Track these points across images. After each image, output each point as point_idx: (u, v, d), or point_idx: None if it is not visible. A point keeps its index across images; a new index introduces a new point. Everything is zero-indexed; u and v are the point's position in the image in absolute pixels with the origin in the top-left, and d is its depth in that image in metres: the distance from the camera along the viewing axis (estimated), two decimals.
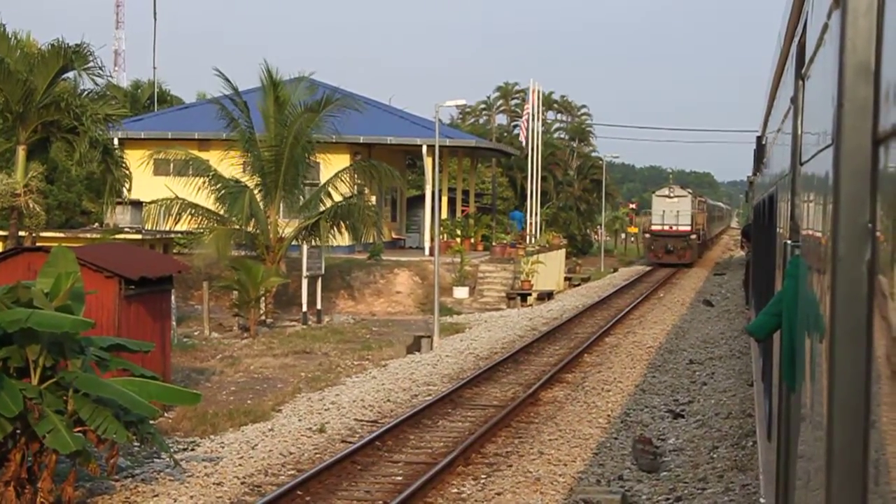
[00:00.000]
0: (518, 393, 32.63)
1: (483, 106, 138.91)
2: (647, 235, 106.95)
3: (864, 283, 3.10)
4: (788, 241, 7.40)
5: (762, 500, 12.66)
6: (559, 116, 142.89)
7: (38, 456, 20.82)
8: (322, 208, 51.41)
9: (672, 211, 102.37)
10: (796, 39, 7.20)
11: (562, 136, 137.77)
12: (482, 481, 23.13)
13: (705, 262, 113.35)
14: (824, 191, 4.05)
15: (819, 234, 4.41)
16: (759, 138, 20.78)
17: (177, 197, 50.92)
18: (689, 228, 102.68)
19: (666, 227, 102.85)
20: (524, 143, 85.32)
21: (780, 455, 7.57)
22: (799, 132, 7.01)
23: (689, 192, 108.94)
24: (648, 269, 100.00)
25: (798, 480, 5.52)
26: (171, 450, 23.45)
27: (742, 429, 27.46)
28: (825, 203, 3.98)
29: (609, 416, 30.10)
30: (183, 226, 51.33)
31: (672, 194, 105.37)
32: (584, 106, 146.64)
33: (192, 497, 21.60)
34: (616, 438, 27.28)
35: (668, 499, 22.00)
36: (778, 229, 10.30)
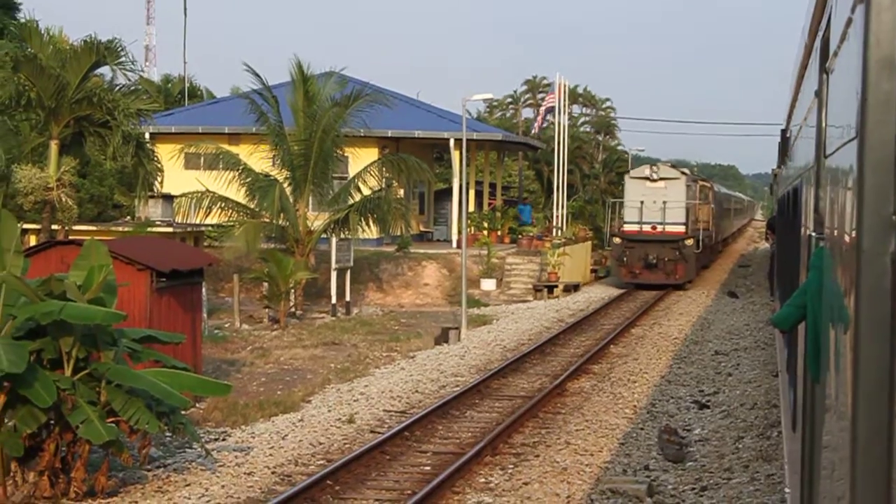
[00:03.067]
0: (545, 384, 32.61)
1: (510, 100, 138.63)
2: (617, 241, 66.89)
3: (889, 274, 3.09)
4: (813, 234, 7.38)
5: (787, 490, 12.63)
6: (584, 110, 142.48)
7: (71, 446, 20.90)
8: (351, 201, 51.45)
9: (656, 202, 65.04)
10: (820, 34, 7.18)
11: (587, 129, 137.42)
12: (509, 471, 23.13)
13: (711, 278, 77.10)
14: (849, 183, 4.04)
15: (843, 227, 4.40)
16: (783, 131, 20.70)
17: (207, 190, 51.00)
18: (682, 230, 65.28)
19: (646, 228, 65.28)
20: (535, 131, 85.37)
21: (805, 445, 7.56)
22: (823, 125, 6.99)
23: (684, 174, 69.98)
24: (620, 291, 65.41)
25: (823, 470, 5.50)
26: (203, 440, 23.52)
27: (767, 419, 27.40)
28: (849, 195, 3.97)
29: (635, 406, 30.07)
30: (213, 219, 51.38)
31: (656, 175, 66.23)
32: (607, 99, 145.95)
33: (223, 486, 21.64)
34: (642, 429, 27.25)
35: (693, 488, 21.96)
36: (802, 221, 10.27)
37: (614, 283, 67.64)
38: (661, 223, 65.82)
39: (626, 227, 67.05)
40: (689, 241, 66.17)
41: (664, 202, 65.98)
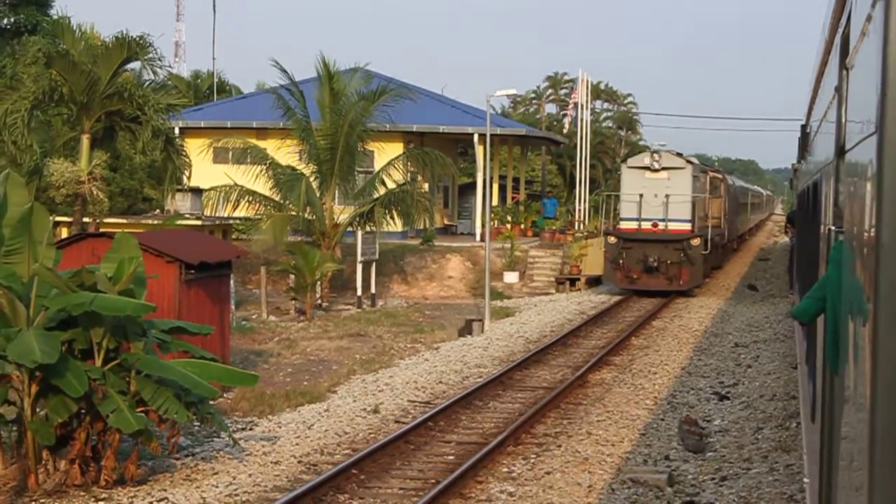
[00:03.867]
0: (567, 375, 32.60)
1: (533, 95, 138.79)
2: (612, 240, 56.25)
3: None
4: (832, 227, 7.37)
5: (806, 480, 12.62)
6: (605, 106, 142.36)
7: (101, 435, 20.96)
8: (376, 195, 51.51)
9: (657, 195, 54.63)
10: (840, 30, 7.17)
11: (609, 125, 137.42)
12: (532, 460, 23.12)
13: (722, 282, 66.15)
14: (868, 178, 4.03)
15: (863, 221, 4.39)
16: (803, 127, 20.70)
17: (235, 184, 51.07)
18: (687, 227, 54.81)
19: (645, 226, 55.17)
20: (566, 129, 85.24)
21: (824, 436, 7.55)
22: (843, 120, 6.97)
23: (691, 162, 58.44)
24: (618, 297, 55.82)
25: (841, 461, 5.50)
26: (230, 429, 23.57)
27: (786, 410, 27.36)
28: (869, 190, 3.96)
29: (656, 397, 30.05)
30: (241, 212, 51.48)
31: (657, 164, 55.43)
32: (629, 95, 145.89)
33: (250, 475, 21.67)
34: (663, 420, 27.23)
35: (713, 478, 21.94)
36: (822, 216, 10.26)
37: (609, 289, 57.94)
38: (662, 220, 54.97)
39: (623, 225, 56.58)
40: (696, 241, 54.91)
41: (667, 195, 54.71)
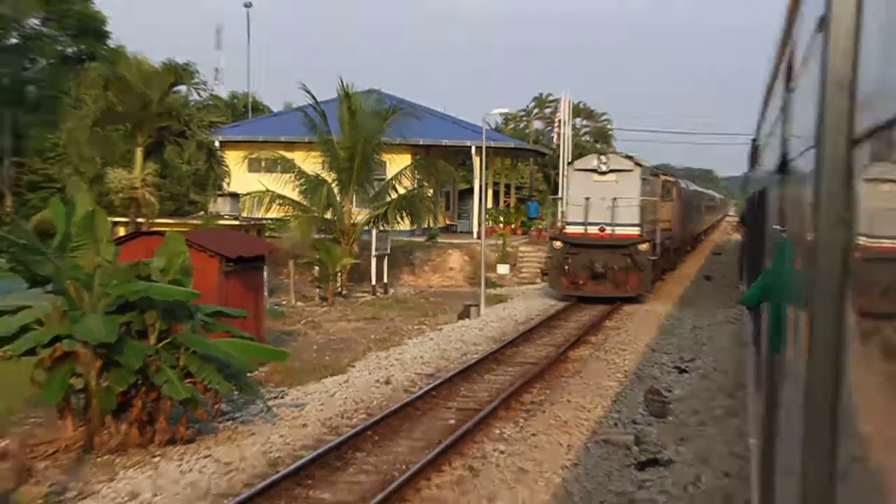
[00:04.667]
0: (550, 352, 32.60)
1: (522, 113, 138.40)
2: (558, 245, 47.88)
3: (839, 262, 3.11)
4: (777, 227, 7.38)
5: (751, 441, 12.62)
6: (584, 122, 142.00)
7: (155, 402, 21.00)
8: (388, 199, 51.55)
9: (604, 198, 46.41)
10: (785, 58, 7.18)
11: (587, 138, 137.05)
12: (520, 424, 23.14)
13: (671, 289, 55.15)
14: (808, 185, 4.06)
15: (803, 222, 4.41)
16: (753, 140, 20.65)
17: (267, 190, 51.11)
18: (635, 232, 46.64)
19: (592, 230, 46.83)
20: (554, 143, 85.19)
21: (767, 404, 7.56)
22: (787, 136, 6.99)
23: (640, 165, 48.96)
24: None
25: (781, 425, 5.52)
26: (265, 397, 23.60)
27: (735, 382, 27.36)
28: (808, 196, 3.98)
29: (625, 371, 30.05)
30: (272, 214, 51.47)
31: (605, 167, 47.28)
32: (604, 113, 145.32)
33: (281, 436, 21.70)
34: (631, 390, 27.24)
35: (673, 439, 21.96)
36: (768, 217, 10.27)
37: (554, 294, 48.69)
38: (609, 224, 46.28)
39: (569, 229, 47.32)
40: (644, 246, 46.51)
41: (614, 199, 46.08)
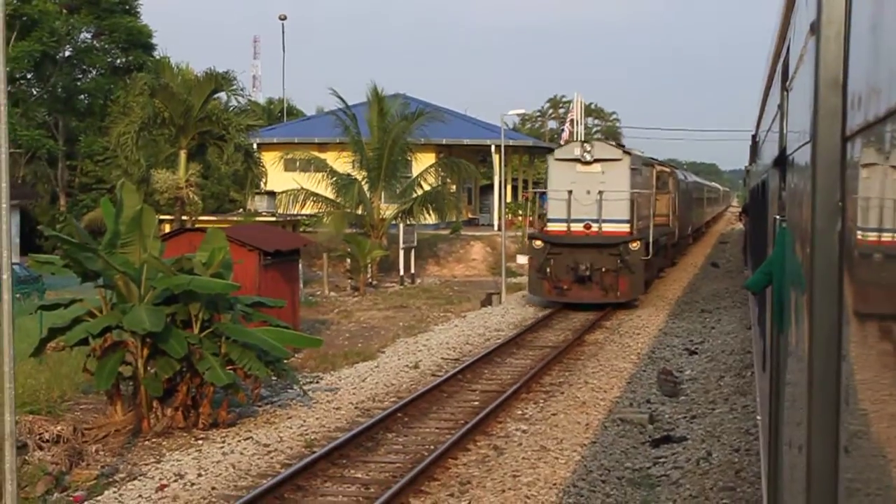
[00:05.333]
0: (568, 336, 32.55)
1: (538, 113, 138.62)
2: (538, 245, 39.46)
3: (836, 249, 3.11)
4: (777, 217, 7.36)
5: (758, 418, 12.61)
6: (595, 121, 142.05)
7: (199, 388, 21.09)
8: (414, 195, 51.55)
9: (590, 192, 38.45)
10: (781, 60, 7.16)
11: (598, 136, 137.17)
12: (540, 404, 23.14)
13: (669, 289, 47.59)
14: (805, 177, 4.05)
15: (801, 212, 4.40)
16: (753, 136, 20.63)
17: (302, 188, 51.21)
18: (625, 229, 38.81)
19: (576, 228, 38.96)
20: (566, 137, 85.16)
21: (773, 382, 7.55)
22: (784, 131, 6.98)
23: (628, 153, 40.62)
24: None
25: (786, 402, 5.51)
26: (301, 382, 23.66)
27: (743, 362, 27.30)
28: (805, 187, 3.97)
29: (639, 353, 30.02)
30: (307, 210, 51.57)
31: (589, 156, 38.72)
32: (613, 112, 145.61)
33: (317, 418, 21.75)
34: (644, 371, 27.21)
35: (685, 417, 21.94)
36: (769, 207, 10.24)
37: (535, 300, 41.17)
38: (596, 220, 37.89)
39: (551, 227, 38.91)
40: (635, 245, 38.07)
41: (600, 192, 37.61)
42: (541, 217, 43.12)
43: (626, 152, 39.43)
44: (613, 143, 42.01)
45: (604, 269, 37.44)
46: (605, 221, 37.68)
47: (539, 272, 38.14)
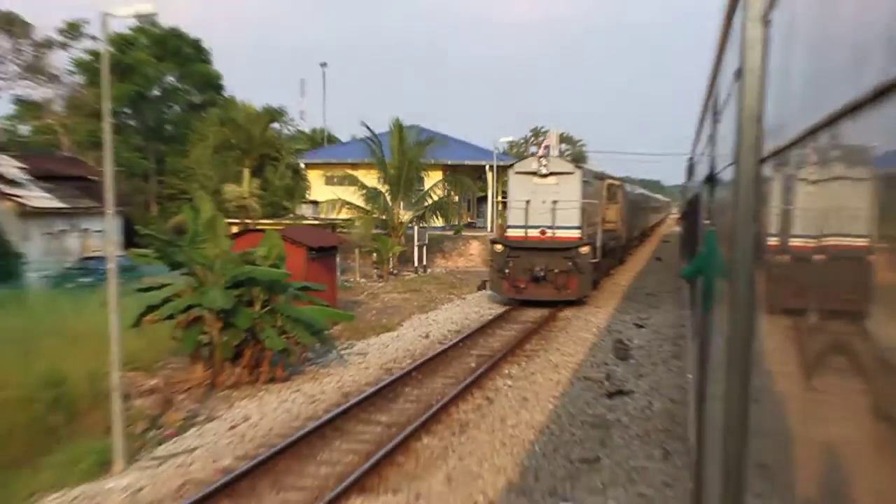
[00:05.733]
0: (545, 314, 32.48)
1: (523, 140, 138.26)
2: (499, 249, 35.30)
3: (751, 248, 3.13)
4: (706, 222, 7.38)
5: (689, 376, 12.62)
6: (565, 147, 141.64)
7: (260, 352, 21.11)
8: (426, 204, 51.55)
9: (545, 201, 34.87)
10: (712, 99, 7.18)
11: (569, 159, 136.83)
12: (522, 366, 23.13)
13: (620, 282, 45.17)
14: (728, 192, 4.07)
15: (724, 219, 4.42)
16: (690, 158, 20.62)
17: (339, 198, 51.20)
18: (576, 235, 34.70)
19: (533, 234, 35.13)
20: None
21: (700, 349, 7.57)
22: (714, 155, 7.00)
23: (580, 167, 36.81)
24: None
25: (710, 363, 5.53)
26: (338, 348, 23.70)
27: (678, 334, 27.30)
28: (729, 199, 4.00)
29: (598, 327, 29.98)
30: (343, 215, 51.56)
31: (545, 170, 34.97)
32: (580, 139, 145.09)
33: (350, 376, 21.76)
34: (603, 340, 27.18)
35: (633, 375, 21.93)
36: (700, 215, 10.25)
37: (498, 298, 36.90)
38: (550, 227, 34.82)
39: (510, 233, 35.29)
40: (585, 249, 34.62)
41: (554, 201, 34.58)
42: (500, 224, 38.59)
43: (578, 167, 35.68)
44: (567, 159, 37.46)
45: (556, 271, 34.13)
46: (557, 228, 34.30)
47: (500, 273, 34.62)
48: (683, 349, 23.23)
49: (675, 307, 34.20)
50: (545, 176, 34.35)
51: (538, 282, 34.22)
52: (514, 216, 34.69)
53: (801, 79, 2.17)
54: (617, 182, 47.38)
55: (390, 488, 13.79)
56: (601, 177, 41.27)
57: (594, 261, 35.43)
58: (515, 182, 34.85)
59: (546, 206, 34.23)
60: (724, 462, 3.25)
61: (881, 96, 1.23)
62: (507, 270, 34.37)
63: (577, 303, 35.35)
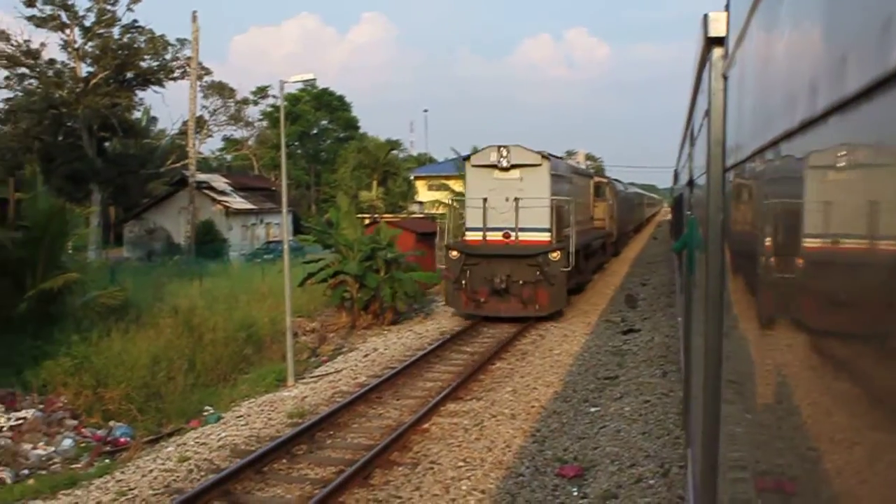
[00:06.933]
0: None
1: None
2: (454, 255, 18.80)
3: (720, 230, 3.09)
4: (688, 213, 7.26)
5: (679, 319, 12.43)
6: (590, 163, 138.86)
7: (381, 304, 21.18)
8: None
9: (508, 199, 18.10)
10: (690, 128, 7.05)
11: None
12: (565, 312, 22.87)
13: (628, 256, 40.45)
14: (703, 192, 4.01)
15: (700, 210, 4.35)
16: (675, 170, 20.22)
17: (437, 200, 51.30)
18: (545, 238, 18.38)
19: (493, 237, 18.59)
20: None
21: (686, 298, 7.46)
22: (692, 167, 6.87)
23: (548, 158, 18.30)
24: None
25: (693, 307, 5.46)
26: (430, 305, 23.69)
27: (670, 289, 26.81)
28: (704, 197, 3.94)
29: (615, 286, 29.47)
30: (439, 211, 51.70)
31: (506, 162, 17.71)
32: (600, 157, 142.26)
33: (445, 321, 21.64)
34: (619, 294, 26.81)
35: (640, 318, 21.60)
36: (684, 208, 10.08)
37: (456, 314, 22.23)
38: (513, 230, 19.69)
39: (469, 236, 20.30)
40: (556, 256, 19.41)
41: (517, 199, 19.44)
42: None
43: (546, 157, 19.88)
44: (532, 149, 20.10)
45: (521, 282, 19.83)
46: (522, 230, 19.93)
47: (455, 283, 20.17)
48: (675, 299, 22.90)
49: (668, 271, 33.59)
50: (506, 169, 19.83)
51: (500, 294, 19.94)
52: (472, 217, 20.50)
53: (750, 116, 2.17)
54: (605, 180, 34.74)
55: (474, 396, 13.85)
56: (588, 174, 29.64)
57: (566, 269, 20.28)
58: (473, 176, 20.46)
59: (509, 204, 19.88)
60: (704, 378, 3.24)
61: (806, 128, 1.27)
62: (463, 281, 20.05)
63: (600, 271, 32.79)
